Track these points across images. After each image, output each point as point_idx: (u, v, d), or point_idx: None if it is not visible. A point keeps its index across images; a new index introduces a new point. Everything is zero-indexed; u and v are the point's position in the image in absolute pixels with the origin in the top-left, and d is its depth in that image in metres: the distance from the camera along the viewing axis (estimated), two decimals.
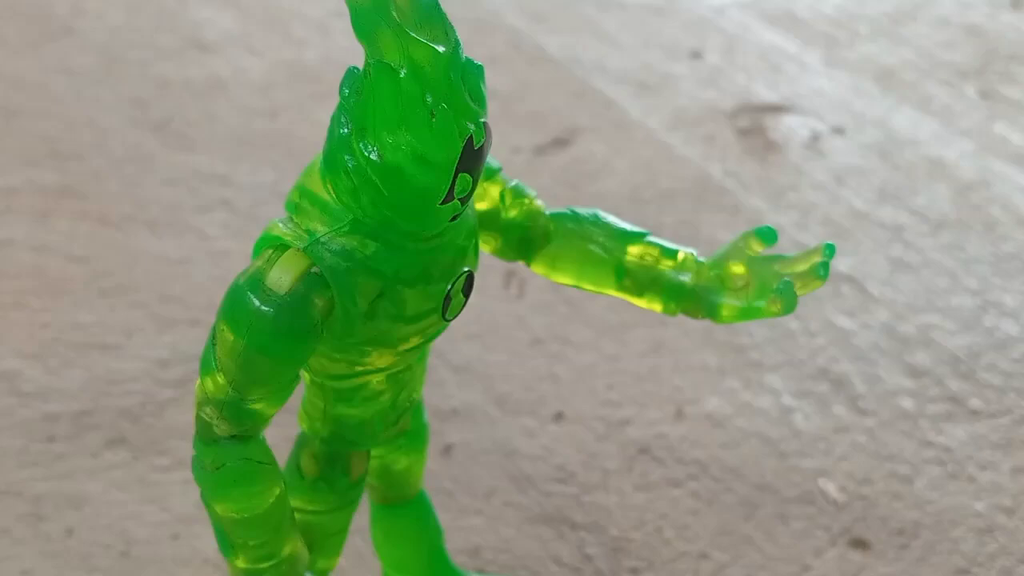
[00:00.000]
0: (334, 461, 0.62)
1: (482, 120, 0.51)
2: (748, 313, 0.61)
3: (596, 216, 0.64)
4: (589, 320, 1.07)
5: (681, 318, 1.04)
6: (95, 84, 1.38)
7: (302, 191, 0.54)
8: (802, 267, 0.60)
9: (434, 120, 0.49)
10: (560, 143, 1.33)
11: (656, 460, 0.93)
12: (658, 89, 1.44)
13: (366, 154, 0.50)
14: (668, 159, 1.31)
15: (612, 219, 0.64)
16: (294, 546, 0.59)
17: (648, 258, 0.63)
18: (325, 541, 0.65)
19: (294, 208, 0.54)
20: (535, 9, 1.62)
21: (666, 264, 0.63)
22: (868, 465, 0.93)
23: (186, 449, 0.89)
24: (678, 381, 1.01)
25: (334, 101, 0.53)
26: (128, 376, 0.98)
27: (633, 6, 1.64)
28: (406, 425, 0.65)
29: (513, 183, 0.62)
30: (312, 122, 1.32)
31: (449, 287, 0.56)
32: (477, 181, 0.53)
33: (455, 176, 0.51)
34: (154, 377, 0.97)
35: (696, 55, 1.52)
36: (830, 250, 0.60)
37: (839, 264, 1.14)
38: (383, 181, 0.50)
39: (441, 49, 0.49)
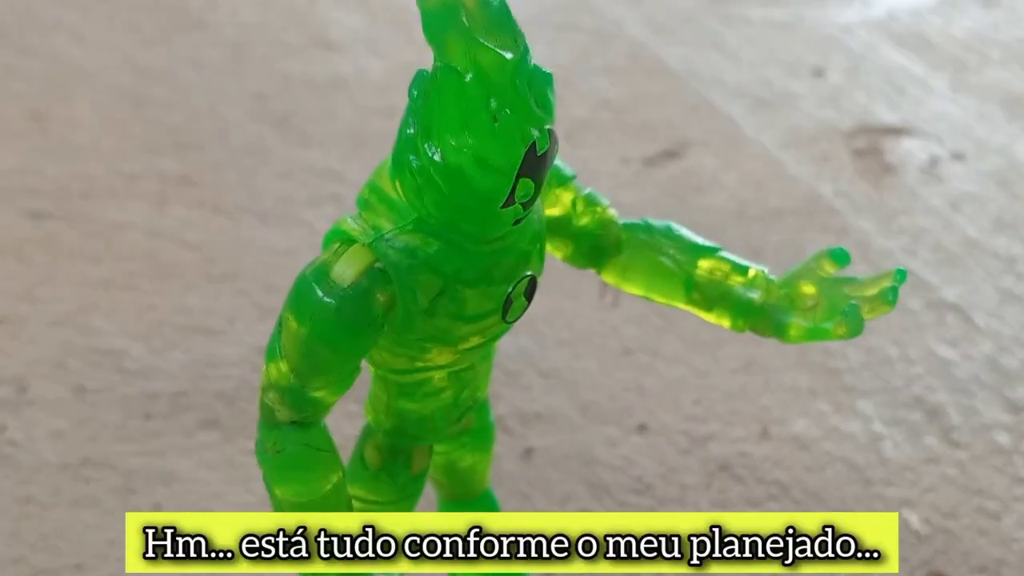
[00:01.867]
0: (396, 454, 0.64)
1: (548, 127, 0.52)
2: (815, 334, 0.61)
3: (669, 228, 0.64)
4: (682, 334, 1.07)
5: None
6: (221, 77, 1.42)
7: (372, 188, 0.55)
8: (872, 291, 0.60)
9: (496, 124, 0.50)
10: (670, 155, 1.33)
11: (736, 478, 0.93)
12: (775, 105, 1.43)
13: (430, 155, 0.51)
14: (778, 177, 1.30)
15: (685, 232, 0.64)
16: None
17: (718, 273, 0.63)
18: None
19: (364, 204, 0.56)
20: (658, 21, 1.61)
21: (736, 280, 0.63)
22: (955, 498, 0.91)
23: None
24: (766, 400, 1.00)
25: None
26: (227, 361, 1.01)
27: (758, 21, 1.63)
28: (470, 423, 0.66)
29: (586, 191, 0.63)
30: None
31: (510, 289, 0.56)
32: (540, 187, 0.53)
33: (516, 181, 0.51)
34: (251, 363, 1.00)
35: (818, 73, 1.50)
36: (901, 275, 0.59)
37: (946, 292, 1.12)
38: (445, 182, 0.51)
39: (508, 55, 0.50)
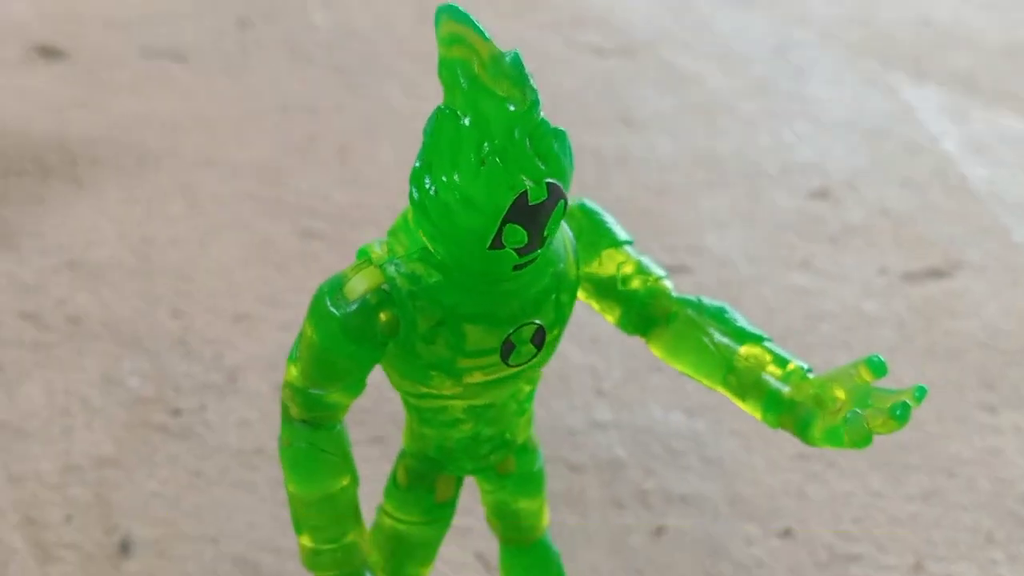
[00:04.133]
0: (421, 478, 0.66)
1: (547, 180, 0.53)
2: (832, 437, 0.58)
3: (722, 310, 0.63)
4: (869, 451, 1.01)
5: (972, 469, 0.97)
6: None
7: (401, 216, 0.60)
8: (888, 404, 0.56)
9: (483, 168, 0.52)
10: (935, 274, 1.26)
11: None
12: None
13: (427, 188, 0.54)
14: None
15: (738, 316, 0.63)
16: (356, 537, 0.63)
17: (756, 360, 0.61)
18: (413, 550, 0.68)
19: (391, 231, 0.60)
20: (979, 140, 1.54)
21: (772, 370, 0.61)
22: None
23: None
24: (934, 535, 0.94)
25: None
26: None
27: None
28: (508, 467, 0.68)
29: (641, 258, 0.64)
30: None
31: (510, 332, 0.58)
32: (538, 237, 0.54)
33: (503, 225, 0.53)
34: None
35: None
36: (920, 392, 0.56)
37: None
38: (436, 216, 0.54)
39: (512, 107, 0.52)
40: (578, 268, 0.62)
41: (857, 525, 0.94)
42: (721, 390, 0.63)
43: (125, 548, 0.90)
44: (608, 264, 0.64)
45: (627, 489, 0.97)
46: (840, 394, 0.59)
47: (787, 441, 1.02)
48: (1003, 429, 1.05)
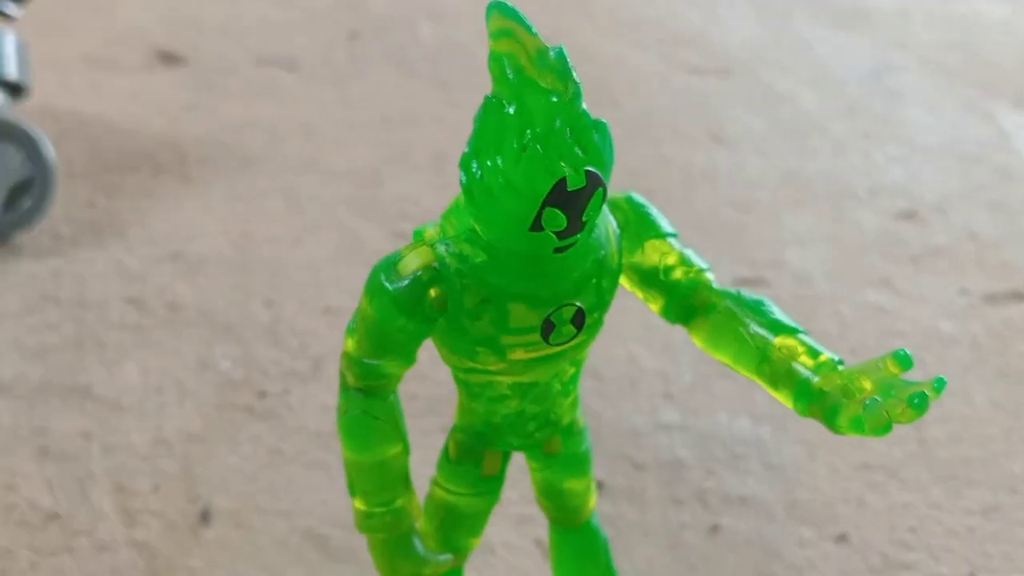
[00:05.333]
0: (469, 451, 0.70)
1: (587, 168, 0.57)
2: (856, 425, 0.60)
3: (760, 302, 0.66)
4: (933, 464, 1.03)
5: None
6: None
7: (454, 201, 0.64)
8: (907, 394, 0.58)
9: (524, 153, 0.56)
10: (1017, 297, 1.26)
11: None
12: None
13: (473, 172, 0.58)
14: None
15: (775, 309, 0.66)
16: (405, 503, 0.66)
17: (789, 351, 0.64)
18: (462, 520, 0.72)
19: (445, 213, 0.64)
20: None
21: (804, 360, 0.63)
22: None
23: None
24: (990, 548, 0.94)
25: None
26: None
27: None
28: (554, 447, 0.71)
29: (685, 250, 0.67)
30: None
31: (550, 312, 0.62)
32: (576, 222, 0.58)
33: (542, 208, 0.57)
34: None
35: None
36: (939, 384, 0.58)
37: None
38: (481, 198, 0.58)
39: (554, 98, 0.56)
40: (621, 256, 0.65)
41: (913, 534, 0.95)
42: (756, 378, 0.65)
43: (205, 517, 0.96)
44: (652, 254, 0.67)
45: (687, 489, 1.00)
46: (867, 385, 0.61)
47: (851, 451, 1.04)
48: None
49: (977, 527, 0.96)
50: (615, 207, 0.67)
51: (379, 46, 1.80)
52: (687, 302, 0.67)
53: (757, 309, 0.66)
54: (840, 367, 0.63)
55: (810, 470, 1.02)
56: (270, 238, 1.32)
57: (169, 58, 1.73)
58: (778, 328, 0.65)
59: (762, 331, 0.65)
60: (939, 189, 1.47)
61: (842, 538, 0.95)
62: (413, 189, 1.43)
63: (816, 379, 0.63)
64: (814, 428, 1.05)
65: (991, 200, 1.45)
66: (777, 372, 0.64)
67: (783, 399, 0.64)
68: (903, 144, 1.58)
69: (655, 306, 0.68)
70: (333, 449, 1.03)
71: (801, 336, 0.64)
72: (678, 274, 0.67)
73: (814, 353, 0.64)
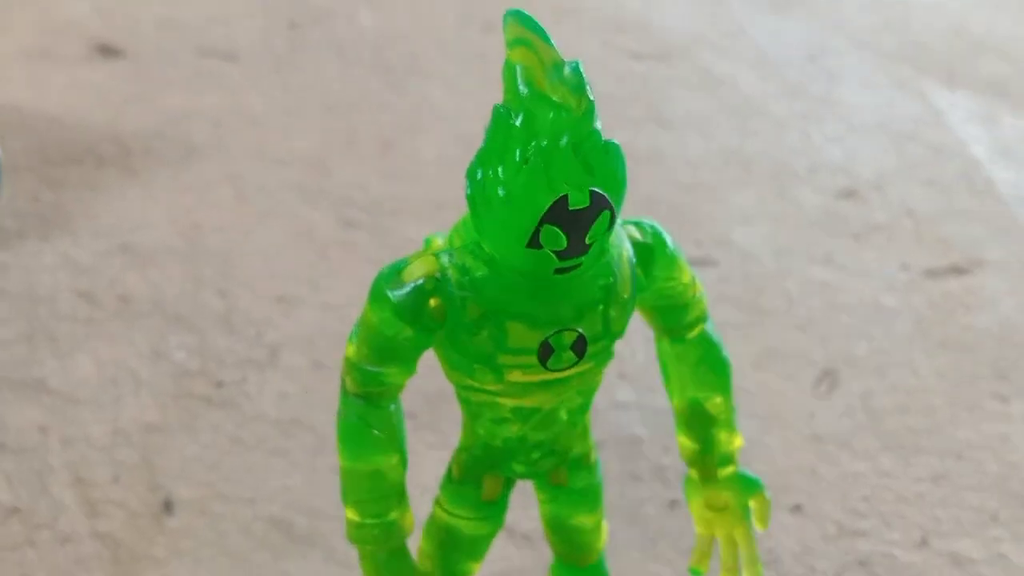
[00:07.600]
0: (470, 473, 0.69)
1: (592, 189, 0.55)
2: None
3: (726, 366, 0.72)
4: (883, 434, 1.05)
5: (981, 453, 1.00)
6: None
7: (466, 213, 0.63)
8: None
9: (525, 167, 0.55)
10: (956, 271, 1.30)
11: None
12: None
13: (477, 182, 0.57)
14: None
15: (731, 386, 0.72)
16: (399, 517, 0.65)
17: (715, 412, 0.71)
18: (461, 543, 0.71)
19: (456, 225, 0.64)
20: (1008, 145, 1.57)
21: (719, 439, 0.72)
22: None
23: (453, 435, 1.01)
24: (940, 513, 0.97)
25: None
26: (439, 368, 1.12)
27: None
28: (560, 478, 0.70)
29: (695, 292, 0.69)
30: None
31: (548, 336, 0.61)
32: (578, 243, 0.57)
33: (540, 225, 0.56)
34: None
35: None
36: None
37: None
38: (482, 209, 0.57)
39: (564, 113, 0.55)
40: (635, 287, 0.64)
41: (866, 503, 0.98)
42: (678, 409, 0.72)
43: (168, 507, 0.96)
44: (663, 288, 0.67)
45: (645, 465, 1.01)
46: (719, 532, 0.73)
47: (802, 423, 1.06)
48: (1014, 417, 1.08)
49: (927, 493, 0.99)
50: (637, 234, 0.65)
51: (319, 35, 1.79)
52: (671, 327, 0.70)
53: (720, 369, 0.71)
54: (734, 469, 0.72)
55: (763, 443, 1.04)
56: (219, 228, 1.32)
57: (108, 51, 1.71)
58: (723, 394, 0.71)
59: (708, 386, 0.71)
60: (876, 167, 1.50)
61: (797, 508, 0.97)
62: (359, 175, 1.44)
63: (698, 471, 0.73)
64: (764, 403, 1.07)
65: (926, 177, 1.49)
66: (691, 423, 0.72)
67: (680, 439, 0.73)
68: (840, 124, 1.61)
69: (647, 320, 0.70)
70: (294, 436, 1.03)
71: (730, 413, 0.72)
72: (692, 292, 0.69)
73: (726, 441, 0.72)
